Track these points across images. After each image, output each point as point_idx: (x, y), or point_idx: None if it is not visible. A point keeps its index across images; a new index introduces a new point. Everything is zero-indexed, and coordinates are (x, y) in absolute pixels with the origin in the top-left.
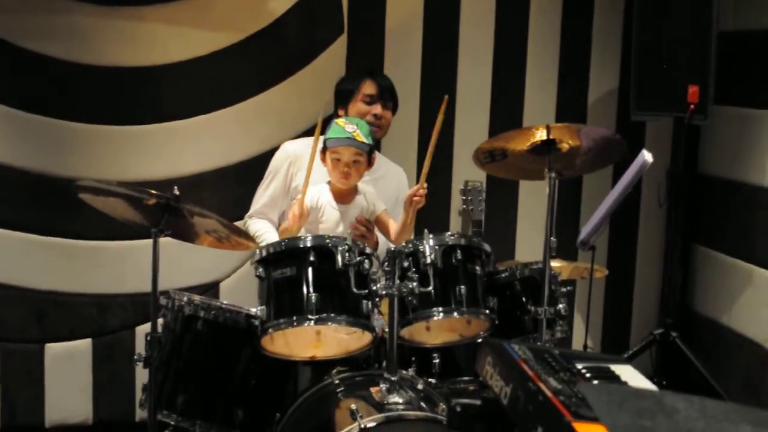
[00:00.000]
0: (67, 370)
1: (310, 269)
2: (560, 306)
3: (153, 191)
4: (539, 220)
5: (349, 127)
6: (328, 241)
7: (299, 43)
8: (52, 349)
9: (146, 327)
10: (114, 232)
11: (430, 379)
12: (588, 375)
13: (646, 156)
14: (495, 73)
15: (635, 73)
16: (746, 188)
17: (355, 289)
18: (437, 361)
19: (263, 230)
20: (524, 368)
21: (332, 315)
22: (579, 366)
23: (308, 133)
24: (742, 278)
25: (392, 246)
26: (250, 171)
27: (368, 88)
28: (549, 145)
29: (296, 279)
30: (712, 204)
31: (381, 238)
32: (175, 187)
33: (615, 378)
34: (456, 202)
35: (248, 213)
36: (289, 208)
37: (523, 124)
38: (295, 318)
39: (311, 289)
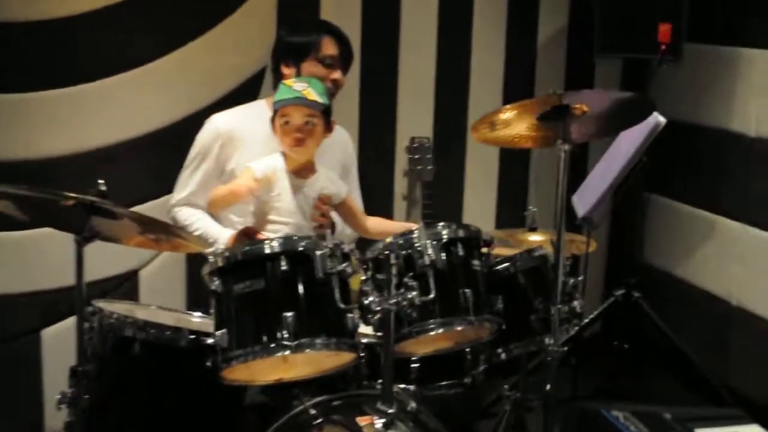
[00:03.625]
0: None
1: (282, 281)
2: (575, 303)
3: (71, 194)
4: (486, 183)
5: (297, 85)
6: (303, 243)
7: None
8: None
9: (54, 329)
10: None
11: (408, 386)
12: None
13: (659, 118)
14: (440, 14)
15: (599, 11)
16: (709, 132)
17: (341, 305)
18: (416, 365)
19: (195, 218)
20: None
21: (314, 339)
22: None
23: (236, 92)
24: (704, 229)
25: (378, 242)
26: (172, 139)
27: (329, 47)
28: (561, 111)
29: (264, 294)
30: (667, 150)
31: (336, 219)
32: (101, 182)
33: None
34: (401, 161)
35: (172, 201)
36: None
37: (471, 67)
38: (267, 346)
39: (285, 307)
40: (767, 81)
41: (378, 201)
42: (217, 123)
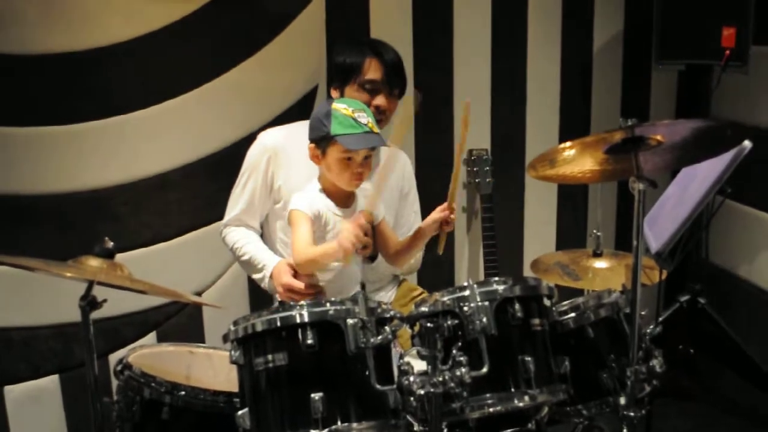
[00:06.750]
0: (34, 412)
1: (308, 357)
2: (655, 362)
3: (68, 272)
4: (547, 198)
5: (360, 116)
6: (331, 312)
7: (268, 6)
8: (12, 392)
9: (119, 354)
10: (69, 252)
11: None
12: None
13: (745, 142)
14: (494, 25)
15: (658, 17)
16: None
17: (377, 386)
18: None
19: (243, 241)
20: None
21: (348, 426)
22: None
23: (288, 112)
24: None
25: (422, 304)
26: (223, 163)
27: (371, 71)
28: (634, 143)
29: (289, 372)
30: None
31: None
32: (107, 239)
33: None
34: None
35: (223, 221)
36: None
37: (527, 76)
38: None
39: (314, 388)
40: None
41: None
42: (265, 139)
